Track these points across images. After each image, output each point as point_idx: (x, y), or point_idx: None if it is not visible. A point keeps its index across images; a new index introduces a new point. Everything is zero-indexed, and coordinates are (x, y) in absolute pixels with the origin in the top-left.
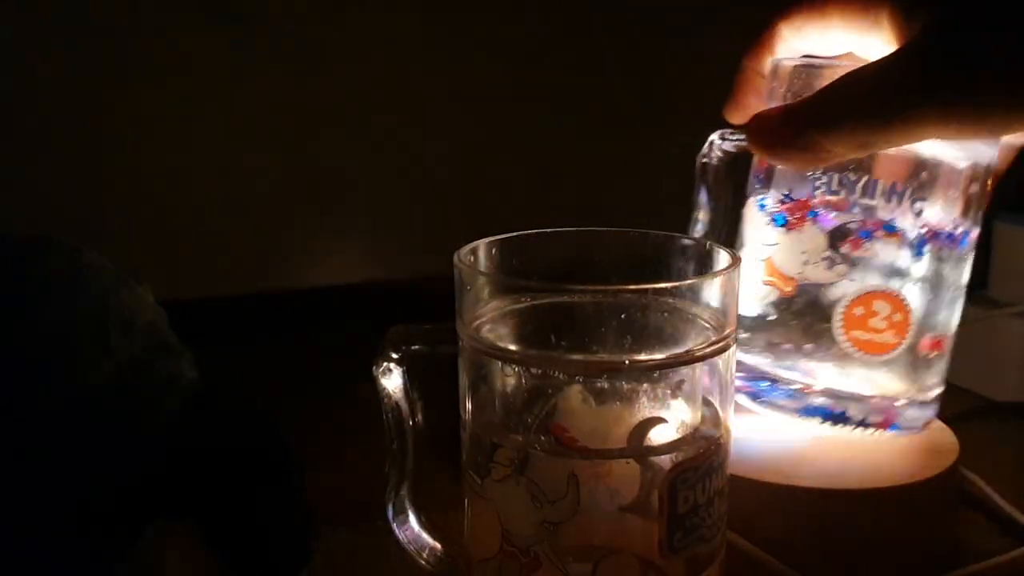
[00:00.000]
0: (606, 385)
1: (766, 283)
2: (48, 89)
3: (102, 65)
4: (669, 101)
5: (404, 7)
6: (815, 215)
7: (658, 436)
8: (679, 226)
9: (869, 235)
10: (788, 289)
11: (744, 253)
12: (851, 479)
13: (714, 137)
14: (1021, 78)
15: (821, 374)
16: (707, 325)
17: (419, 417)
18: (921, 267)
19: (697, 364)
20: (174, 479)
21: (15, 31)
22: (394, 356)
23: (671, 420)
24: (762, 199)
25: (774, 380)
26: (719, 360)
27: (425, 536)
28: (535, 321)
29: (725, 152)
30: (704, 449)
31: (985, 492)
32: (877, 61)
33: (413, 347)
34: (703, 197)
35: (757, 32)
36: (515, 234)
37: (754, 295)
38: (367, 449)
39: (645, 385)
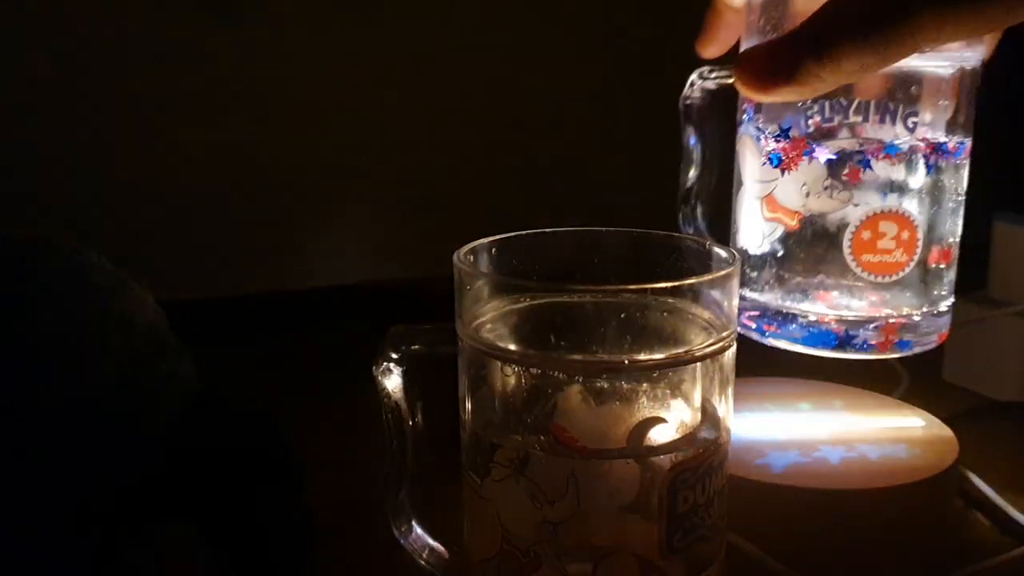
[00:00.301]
0: (606, 385)
1: (770, 220)
2: (48, 89)
3: (102, 66)
4: (670, 101)
5: (406, 7)
6: (810, 152)
7: (658, 436)
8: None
9: (868, 159)
10: (793, 223)
11: (743, 191)
12: (851, 479)
13: (694, 77)
14: None
15: (834, 301)
16: (707, 325)
17: (419, 417)
18: (922, 181)
19: (697, 364)
20: (174, 479)
21: (15, 31)
22: (394, 356)
23: (671, 420)
24: (757, 136)
25: (786, 314)
26: (719, 360)
27: (425, 536)
28: (535, 321)
29: (707, 90)
30: (704, 449)
31: (985, 492)
32: None
33: (413, 347)
34: (691, 138)
35: None
36: (515, 234)
37: (759, 233)
38: (367, 449)
39: (645, 385)
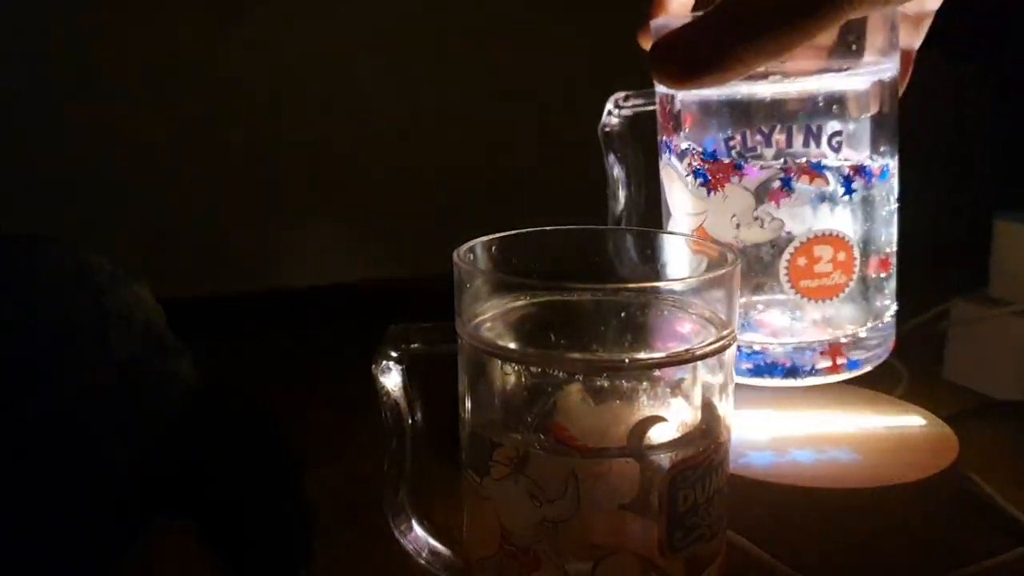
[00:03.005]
0: (606, 384)
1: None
2: (47, 89)
3: (100, 66)
4: None
5: (407, 7)
6: (737, 174)
7: (658, 435)
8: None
9: (791, 180)
10: None
11: (672, 224)
12: (851, 479)
13: (610, 105)
14: None
15: (778, 328)
16: (707, 324)
17: (418, 416)
18: (852, 199)
19: (697, 363)
20: (174, 479)
21: (14, 31)
22: (393, 355)
23: (671, 419)
24: (681, 163)
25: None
26: (719, 359)
27: (424, 535)
28: (534, 320)
29: (625, 117)
30: (704, 448)
31: (985, 492)
32: None
33: (413, 346)
34: (614, 167)
35: None
36: (514, 232)
37: None
38: (367, 449)
39: (645, 384)
